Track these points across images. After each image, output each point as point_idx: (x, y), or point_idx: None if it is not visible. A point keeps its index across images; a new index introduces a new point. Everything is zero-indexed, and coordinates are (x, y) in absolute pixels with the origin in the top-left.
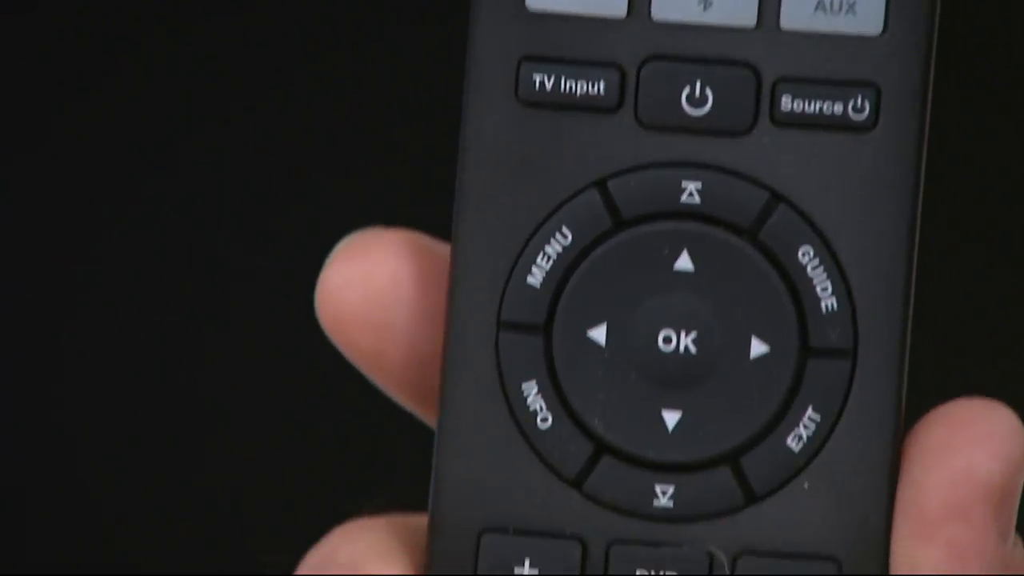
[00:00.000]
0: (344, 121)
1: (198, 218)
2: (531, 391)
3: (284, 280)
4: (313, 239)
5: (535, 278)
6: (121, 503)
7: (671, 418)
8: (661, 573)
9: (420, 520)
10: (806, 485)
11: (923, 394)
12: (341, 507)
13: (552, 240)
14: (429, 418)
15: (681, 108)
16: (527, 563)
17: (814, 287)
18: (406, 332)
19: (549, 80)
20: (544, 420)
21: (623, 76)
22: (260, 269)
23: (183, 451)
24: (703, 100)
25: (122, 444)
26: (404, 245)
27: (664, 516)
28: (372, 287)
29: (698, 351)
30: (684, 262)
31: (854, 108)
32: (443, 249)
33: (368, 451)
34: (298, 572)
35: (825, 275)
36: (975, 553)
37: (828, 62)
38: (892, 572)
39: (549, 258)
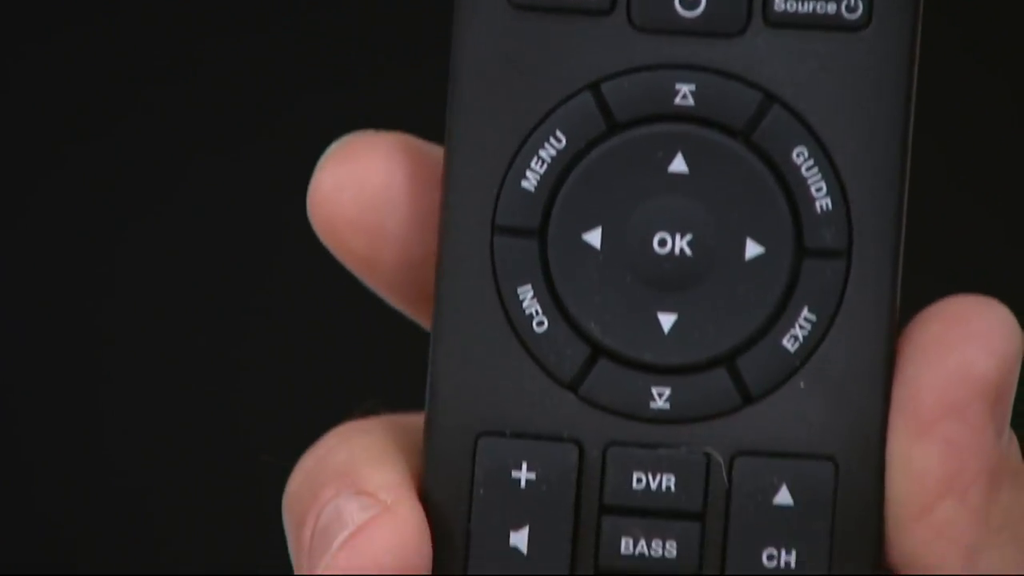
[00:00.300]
0: (335, 25)
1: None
2: (526, 295)
3: (269, 188)
4: (304, 146)
5: (529, 182)
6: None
7: (667, 320)
8: (658, 475)
9: (415, 420)
10: (802, 385)
11: (918, 293)
12: (336, 409)
13: (546, 144)
14: (422, 320)
15: (674, 10)
16: (524, 466)
17: (808, 187)
18: (399, 235)
19: None
20: (540, 324)
21: None
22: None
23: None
24: (696, 2)
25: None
26: (396, 148)
27: (661, 418)
28: (365, 190)
29: (693, 253)
30: (678, 164)
31: (847, 7)
32: (436, 152)
33: (362, 352)
34: (294, 474)
35: (819, 175)
36: (971, 450)
37: None
38: (888, 470)
39: (543, 162)
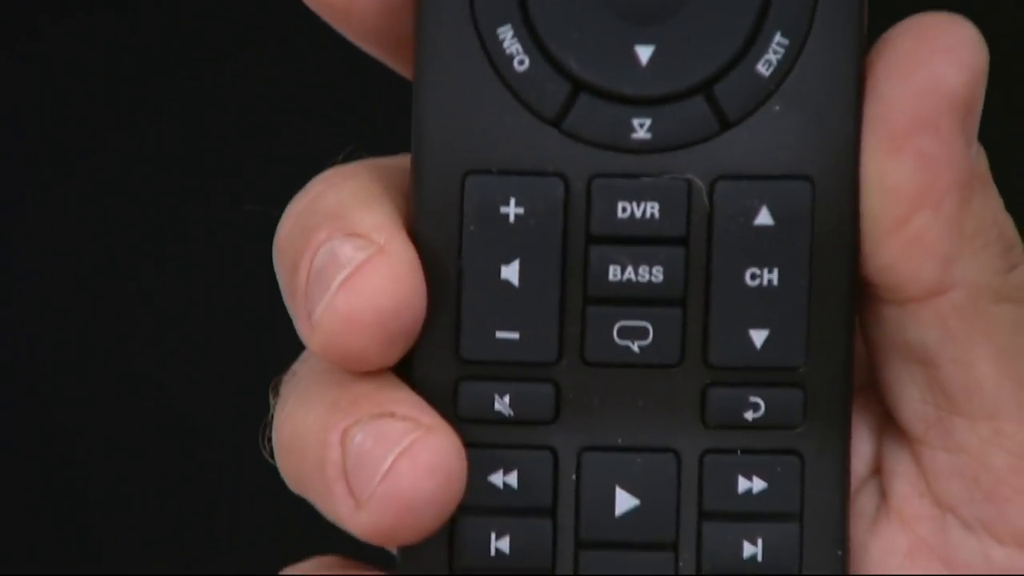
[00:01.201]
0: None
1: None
2: (506, 34)
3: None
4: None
5: None
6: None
7: (644, 52)
8: (642, 203)
9: (398, 162)
10: (777, 108)
11: (884, 14)
12: (316, 164)
13: None
14: (400, 66)
15: None
16: (512, 201)
17: None
18: None
19: None
20: (521, 62)
21: None
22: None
23: None
24: None
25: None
26: None
27: (642, 148)
28: None
29: None
30: None
31: None
32: None
33: (346, 103)
34: (284, 219)
35: None
36: (943, 162)
37: None
38: (863, 186)
39: None
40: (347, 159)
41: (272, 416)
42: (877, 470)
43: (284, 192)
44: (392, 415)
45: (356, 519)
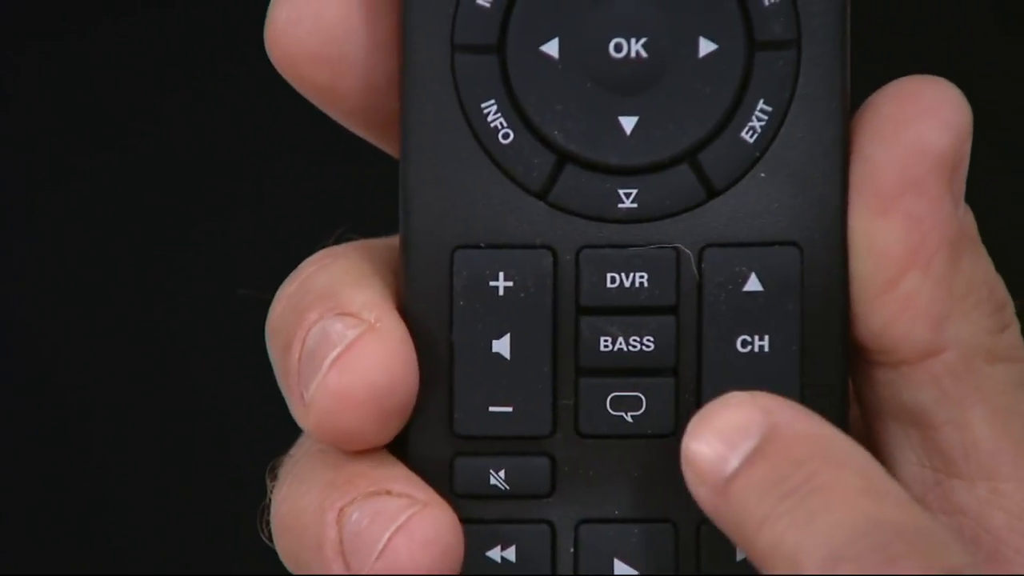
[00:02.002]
0: None
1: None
2: (491, 109)
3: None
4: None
5: None
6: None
7: (628, 123)
8: (631, 273)
9: (387, 242)
10: (763, 175)
11: (866, 80)
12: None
13: None
14: (386, 145)
15: None
16: (501, 275)
17: None
18: (359, 63)
19: None
20: (506, 136)
21: None
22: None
23: None
24: None
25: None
26: None
27: (629, 218)
28: (322, 21)
29: (649, 55)
30: None
31: None
32: None
33: (331, 183)
34: (275, 301)
35: None
36: (932, 222)
37: None
38: (852, 250)
39: None
40: (338, 241)
41: (269, 499)
42: None
43: (278, 271)
44: (388, 492)
45: None
